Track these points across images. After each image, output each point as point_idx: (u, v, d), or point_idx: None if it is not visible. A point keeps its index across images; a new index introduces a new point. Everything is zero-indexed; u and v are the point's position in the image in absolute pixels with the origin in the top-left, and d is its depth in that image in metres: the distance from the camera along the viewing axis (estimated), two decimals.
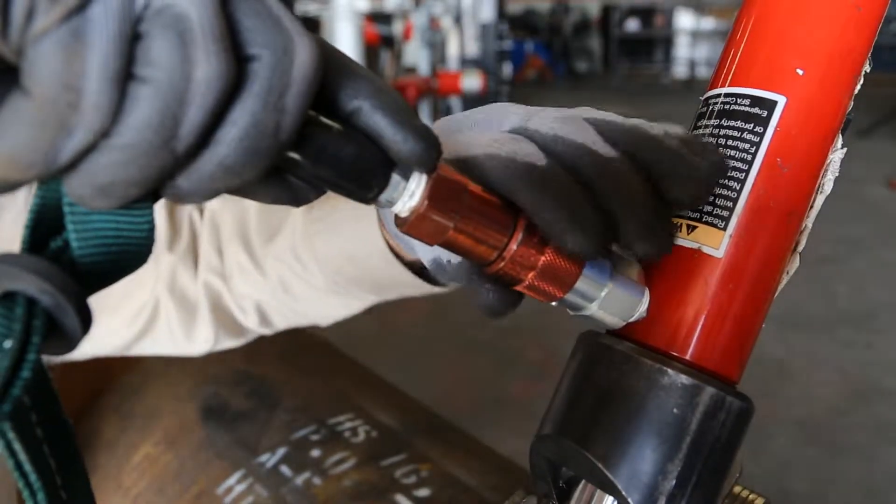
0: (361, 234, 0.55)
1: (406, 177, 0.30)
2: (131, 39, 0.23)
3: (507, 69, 7.06)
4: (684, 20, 12.57)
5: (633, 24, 12.83)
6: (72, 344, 0.27)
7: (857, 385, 2.66)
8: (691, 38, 12.49)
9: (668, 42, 13.08)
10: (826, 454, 2.27)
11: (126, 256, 0.28)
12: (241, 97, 0.24)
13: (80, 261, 0.27)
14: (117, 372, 0.89)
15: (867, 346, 2.94)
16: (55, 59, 0.22)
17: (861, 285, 3.54)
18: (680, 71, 12.75)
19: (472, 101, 6.51)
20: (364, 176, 0.29)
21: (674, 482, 0.33)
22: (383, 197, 0.30)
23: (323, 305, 0.63)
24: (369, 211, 0.54)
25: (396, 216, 0.31)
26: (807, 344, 2.93)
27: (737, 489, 0.39)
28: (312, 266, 0.60)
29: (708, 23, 12.36)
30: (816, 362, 2.81)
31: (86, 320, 0.26)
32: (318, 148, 0.28)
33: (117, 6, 0.22)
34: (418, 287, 0.56)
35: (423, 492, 0.62)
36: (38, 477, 0.28)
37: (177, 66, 0.23)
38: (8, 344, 0.25)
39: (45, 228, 0.28)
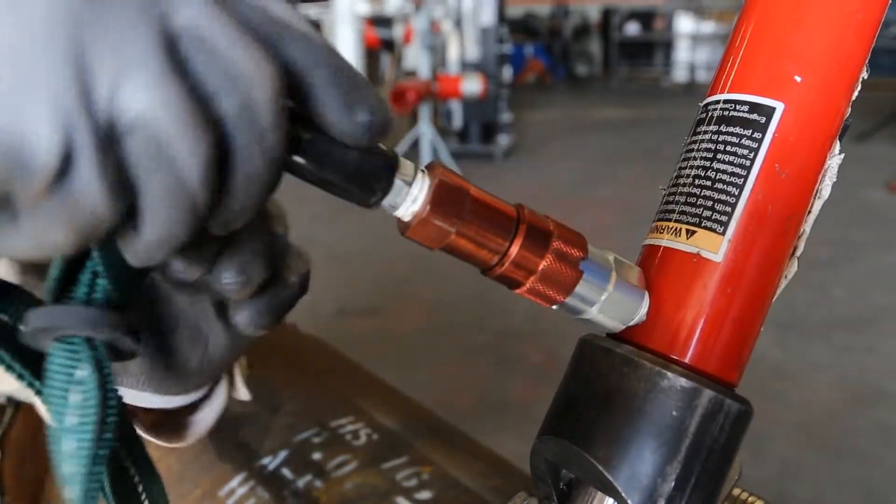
0: None
1: (409, 182, 0.31)
2: (116, 165, 0.23)
3: (507, 73, 7.07)
4: (684, 24, 12.59)
5: (632, 28, 12.86)
6: (133, 355, 0.30)
7: (857, 389, 2.66)
8: (691, 42, 12.50)
9: (668, 45, 13.10)
10: (826, 458, 2.27)
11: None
12: (230, 156, 0.25)
13: (112, 289, 0.29)
14: None
15: (866, 350, 2.95)
16: (51, 225, 0.23)
17: (860, 289, 3.54)
18: (680, 74, 12.77)
19: (472, 105, 6.52)
20: (367, 180, 0.30)
21: (673, 484, 0.33)
22: (386, 202, 0.31)
23: None
24: None
25: (399, 221, 0.32)
26: (806, 347, 2.93)
27: (736, 491, 0.39)
28: None
29: (708, 26, 12.38)
30: (815, 366, 2.82)
31: (136, 336, 0.29)
32: (322, 153, 0.29)
33: (95, 177, 0.23)
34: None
35: (425, 494, 0.62)
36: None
37: (166, 170, 0.24)
38: (82, 373, 0.27)
39: (73, 261, 0.29)
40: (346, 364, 0.92)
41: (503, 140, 6.84)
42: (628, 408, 0.34)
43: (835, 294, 3.43)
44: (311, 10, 8.10)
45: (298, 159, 0.28)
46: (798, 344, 2.93)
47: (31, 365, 0.30)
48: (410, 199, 0.31)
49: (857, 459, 2.26)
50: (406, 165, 0.31)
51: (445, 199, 0.31)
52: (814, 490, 2.14)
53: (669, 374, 0.34)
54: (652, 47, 13.30)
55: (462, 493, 0.63)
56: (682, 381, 0.34)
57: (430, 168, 0.32)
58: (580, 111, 9.77)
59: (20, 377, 0.30)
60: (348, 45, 6.91)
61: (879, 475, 2.18)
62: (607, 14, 13.31)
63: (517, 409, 2.54)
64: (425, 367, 2.75)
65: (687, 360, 0.35)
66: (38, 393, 0.30)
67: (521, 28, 13.20)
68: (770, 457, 2.24)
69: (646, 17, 12.91)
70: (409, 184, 0.31)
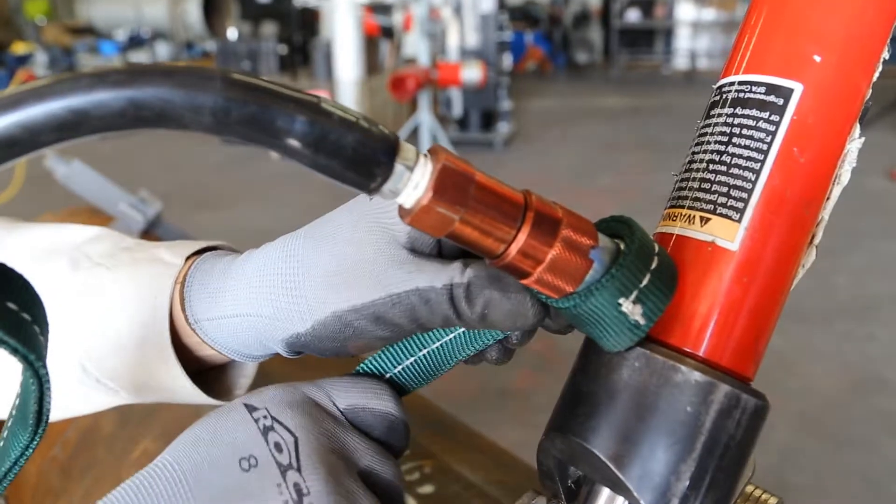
0: (141, 319, 0.43)
1: (411, 166, 0.29)
2: None
3: (507, 60, 7.03)
4: (685, 11, 12.53)
5: (633, 15, 12.78)
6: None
7: (858, 377, 2.66)
8: (692, 29, 12.45)
9: (668, 33, 13.03)
10: (826, 446, 2.27)
11: None
12: None
13: None
14: None
15: (867, 338, 2.94)
16: None
17: (861, 277, 3.53)
18: (680, 62, 12.72)
19: (472, 93, 6.48)
20: (367, 165, 0.28)
21: (687, 483, 0.32)
22: (386, 187, 0.29)
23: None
24: (161, 285, 0.43)
25: (400, 207, 0.30)
26: (807, 336, 2.92)
27: (749, 488, 0.38)
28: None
29: (709, 13, 12.32)
30: (816, 354, 2.81)
31: None
32: (320, 135, 0.27)
33: None
34: (194, 397, 0.45)
35: (427, 489, 0.61)
36: None
37: None
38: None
39: None
40: (345, 358, 0.91)
41: (503, 128, 6.82)
42: (640, 403, 0.33)
43: (835, 282, 3.42)
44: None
45: (294, 143, 0.27)
46: (799, 332, 2.92)
47: (35, 349, 0.29)
48: (412, 184, 0.29)
49: (858, 447, 2.26)
50: (407, 149, 0.29)
51: (449, 184, 0.29)
52: (814, 478, 2.13)
53: (683, 369, 0.32)
54: (652, 35, 13.23)
55: (464, 487, 0.62)
56: (697, 376, 0.32)
57: (432, 152, 0.30)
58: (580, 99, 9.73)
59: (24, 359, 0.29)
60: (347, 33, 6.86)
61: (879, 463, 2.18)
62: (608, 1, 13.24)
63: (518, 397, 2.54)
64: None
65: (701, 354, 0.34)
66: (37, 374, 0.29)
67: (521, 15, 13.13)
68: (771, 445, 2.23)
69: (646, 5, 12.83)
70: (411, 169, 0.29)
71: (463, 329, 0.40)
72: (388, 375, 0.41)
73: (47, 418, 0.31)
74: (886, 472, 2.15)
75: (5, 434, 0.33)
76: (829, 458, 2.21)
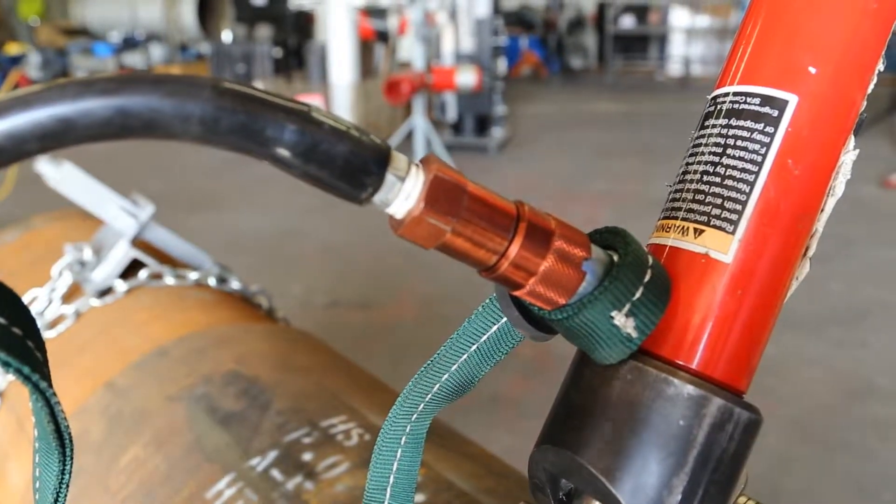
0: None
1: (402, 177, 0.29)
2: None
3: (501, 65, 7.04)
4: (679, 17, 12.58)
5: (627, 21, 12.83)
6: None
7: (850, 384, 2.66)
8: (686, 36, 12.50)
9: (662, 39, 13.08)
10: (818, 452, 2.27)
11: None
12: None
13: None
14: (106, 371, 0.87)
15: (859, 345, 2.95)
16: None
17: (854, 284, 3.54)
18: (674, 68, 12.77)
19: (466, 97, 6.49)
20: (357, 175, 0.28)
21: (679, 497, 0.32)
22: (377, 198, 0.29)
23: None
24: None
25: (391, 218, 0.30)
26: (799, 342, 2.93)
27: (741, 500, 0.38)
28: None
29: (703, 20, 12.37)
30: (809, 361, 2.82)
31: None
32: (309, 145, 0.27)
33: None
34: None
35: (418, 497, 0.60)
36: None
37: None
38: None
39: None
40: (338, 361, 0.90)
41: (497, 133, 6.82)
42: (632, 416, 0.32)
43: (828, 289, 3.43)
44: (305, 1, 8.04)
45: (283, 152, 0.27)
46: (791, 338, 2.92)
47: (28, 361, 0.28)
48: (403, 195, 0.29)
49: (849, 454, 2.26)
50: (399, 159, 0.29)
51: (441, 195, 0.29)
52: (807, 484, 2.13)
53: (676, 381, 0.32)
54: (647, 41, 13.29)
55: (455, 496, 0.61)
56: (690, 389, 0.32)
57: (424, 162, 0.30)
58: (574, 104, 9.75)
59: (18, 372, 0.28)
60: (342, 37, 6.86)
61: (871, 469, 2.18)
62: (602, 7, 13.28)
63: (508, 403, 2.53)
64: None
65: (694, 367, 0.33)
66: (38, 388, 0.29)
67: (516, 20, 13.16)
68: (763, 451, 2.24)
69: (641, 11, 12.88)
70: (402, 179, 0.29)
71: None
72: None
73: (70, 435, 0.30)
74: (878, 479, 2.15)
75: (36, 472, 0.31)
76: (820, 465, 2.22)
